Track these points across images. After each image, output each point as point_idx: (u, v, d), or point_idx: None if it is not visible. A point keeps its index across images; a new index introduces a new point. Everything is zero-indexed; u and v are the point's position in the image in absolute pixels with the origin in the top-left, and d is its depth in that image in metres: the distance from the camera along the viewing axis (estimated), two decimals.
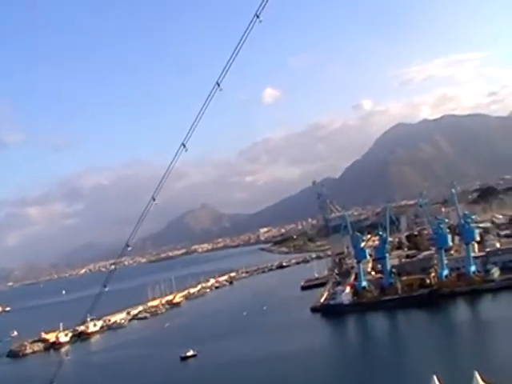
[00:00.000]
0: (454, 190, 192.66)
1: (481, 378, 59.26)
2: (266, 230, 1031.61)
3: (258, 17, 19.04)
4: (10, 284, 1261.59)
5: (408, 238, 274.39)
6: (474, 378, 59.70)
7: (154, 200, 23.38)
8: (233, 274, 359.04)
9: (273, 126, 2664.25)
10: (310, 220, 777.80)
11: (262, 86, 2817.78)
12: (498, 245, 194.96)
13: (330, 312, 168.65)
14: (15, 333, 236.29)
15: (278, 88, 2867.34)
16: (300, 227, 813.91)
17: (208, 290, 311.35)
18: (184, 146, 21.92)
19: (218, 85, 20.43)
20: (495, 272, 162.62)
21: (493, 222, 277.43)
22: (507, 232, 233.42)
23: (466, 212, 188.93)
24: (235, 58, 20.29)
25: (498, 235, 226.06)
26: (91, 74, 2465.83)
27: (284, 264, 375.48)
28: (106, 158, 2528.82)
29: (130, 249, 25.57)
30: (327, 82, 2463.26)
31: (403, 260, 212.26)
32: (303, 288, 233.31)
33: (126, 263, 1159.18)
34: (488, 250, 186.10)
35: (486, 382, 59.47)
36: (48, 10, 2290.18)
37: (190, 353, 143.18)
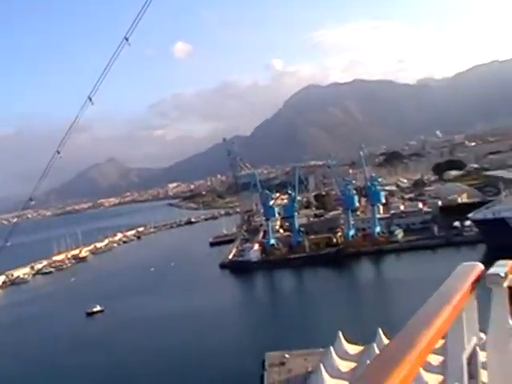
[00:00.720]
0: (361, 153, 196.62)
1: (384, 334, 61.31)
2: (174, 185, 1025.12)
3: None
4: None
5: (316, 197, 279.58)
6: (378, 334, 61.74)
7: (59, 153, 22.35)
8: (141, 229, 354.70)
9: (183, 82, 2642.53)
10: (219, 177, 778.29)
11: (173, 40, 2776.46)
12: (402, 207, 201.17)
13: (239, 268, 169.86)
14: None
15: (189, 42, 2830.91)
16: (209, 183, 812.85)
17: (115, 245, 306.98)
18: (90, 99, 21.10)
19: (127, 39, 19.65)
20: (399, 233, 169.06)
21: (397, 186, 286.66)
22: (411, 195, 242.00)
23: (373, 175, 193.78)
24: (145, 11, 19.56)
25: (403, 198, 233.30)
26: None
27: (193, 220, 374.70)
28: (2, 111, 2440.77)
29: (33, 203, 24.64)
30: (240, 40, 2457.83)
31: (311, 219, 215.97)
32: (212, 244, 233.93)
33: (30, 216, 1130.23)
34: (392, 212, 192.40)
35: (389, 338, 61.47)
36: None
37: (97, 308, 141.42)
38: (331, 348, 62.39)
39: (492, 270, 4.92)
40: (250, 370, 76.74)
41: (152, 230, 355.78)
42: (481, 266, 4.96)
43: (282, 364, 73.06)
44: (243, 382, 74.85)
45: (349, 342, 65.10)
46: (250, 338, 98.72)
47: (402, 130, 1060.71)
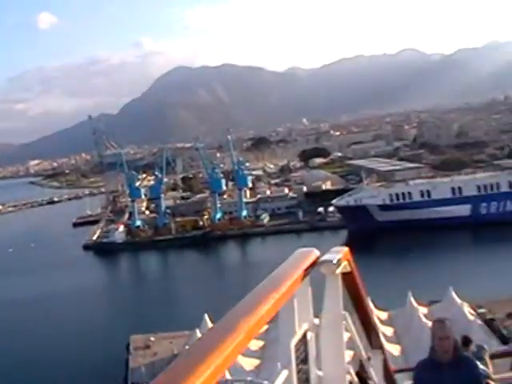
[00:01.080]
0: (229, 137, 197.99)
1: None
2: (36, 162, 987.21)
3: None
4: None
5: (183, 180, 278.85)
6: None
7: None
8: None
9: (48, 55, 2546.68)
10: (84, 155, 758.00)
11: (38, 9, 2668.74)
12: (268, 192, 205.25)
13: (103, 250, 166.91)
14: None
15: (55, 14, 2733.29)
16: (73, 162, 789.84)
17: None
18: None
19: None
20: (265, 218, 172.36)
21: (264, 171, 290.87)
22: (277, 181, 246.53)
23: (241, 159, 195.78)
24: None
25: (269, 183, 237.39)
26: None
27: (55, 199, 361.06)
28: None
29: None
30: (108, 15, 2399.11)
31: (178, 201, 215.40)
32: (75, 225, 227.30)
33: None
34: (259, 196, 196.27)
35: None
36: None
37: None
38: (197, 330, 62.47)
39: (325, 257, 5.22)
40: (115, 354, 75.40)
41: (11, 209, 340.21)
42: (316, 252, 5.28)
43: (147, 347, 72.29)
44: (108, 366, 73.61)
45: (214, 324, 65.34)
46: (114, 322, 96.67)
47: (270, 117, 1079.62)
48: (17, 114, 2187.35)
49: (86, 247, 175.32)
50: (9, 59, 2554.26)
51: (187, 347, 56.76)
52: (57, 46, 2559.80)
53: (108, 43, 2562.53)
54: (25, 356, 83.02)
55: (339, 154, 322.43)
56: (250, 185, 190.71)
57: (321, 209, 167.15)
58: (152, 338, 73.91)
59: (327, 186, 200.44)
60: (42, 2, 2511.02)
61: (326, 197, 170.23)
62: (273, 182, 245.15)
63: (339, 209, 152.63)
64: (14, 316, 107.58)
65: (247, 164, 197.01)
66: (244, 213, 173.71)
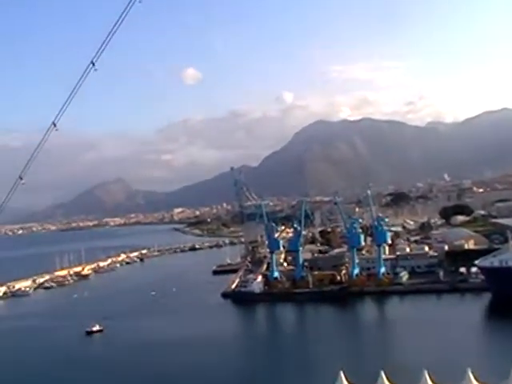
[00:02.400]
0: (369, 192, 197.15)
1: (386, 377, 61.18)
2: (180, 210, 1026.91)
3: None
4: None
5: (321, 233, 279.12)
6: (380, 377, 61.43)
7: (22, 179, 22.56)
8: (144, 252, 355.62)
9: (193, 108, 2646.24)
10: (224, 205, 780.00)
11: (184, 65, 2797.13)
12: (407, 250, 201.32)
13: (241, 299, 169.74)
14: None
15: (200, 70, 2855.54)
16: (214, 211, 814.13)
17: (118, 265, 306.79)
18: (55, 125, 21.72)
19: (93, 64, 20.40)
20: (404, 275, 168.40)
21: (404, 227, 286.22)
22: (417, 238, 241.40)
23: (380, 214, 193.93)
24: (113, 35, 20.30)
25: (408, 240, 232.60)
26: None
27: (197, 246, 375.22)
28: (15, 121, 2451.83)
29: None
30: (250, 71, 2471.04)
31: (315, 255, 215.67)
32: (215, 273, 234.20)
33: (35, 229, 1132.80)
34: (398, 253, 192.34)
35: (391, 382, 61.44)
36: None
37: (96, 328, 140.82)
38: None
39: None
40: None
41: (155, 253, 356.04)
42: None
43: None
44: None
45: (350, 382, 64.32)
46: (249, 374, 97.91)
47: (409, 172, 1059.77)
48: (163, 163, 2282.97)
49: (225, 295, 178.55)
50: (157, 112, 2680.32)
51: None
52: (201, 99, 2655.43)
53: (249, 97, 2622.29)
54: None
55: (482, 212, 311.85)
56: (389, 241, 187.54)
57: (463, 269, 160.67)
58: None
59: (470, 245, 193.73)
60: (188, 58, 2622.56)
61: (468, 257, 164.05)
62: (412, 239, 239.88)
63: (483, 270, 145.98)
64: (151, 356, 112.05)
65: (386, 220, 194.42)
66: (382, 269, 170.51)
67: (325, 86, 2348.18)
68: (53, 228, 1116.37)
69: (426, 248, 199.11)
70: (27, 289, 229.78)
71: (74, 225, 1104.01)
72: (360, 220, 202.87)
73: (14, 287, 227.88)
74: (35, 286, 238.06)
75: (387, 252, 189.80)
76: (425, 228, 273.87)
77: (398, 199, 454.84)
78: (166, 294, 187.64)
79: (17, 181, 22.26)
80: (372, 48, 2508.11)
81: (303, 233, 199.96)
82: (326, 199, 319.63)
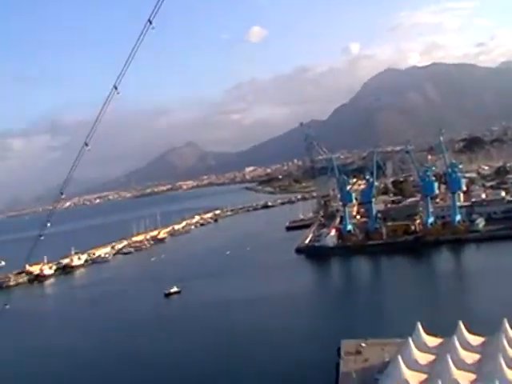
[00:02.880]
0: (441, 138, 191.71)
1: (464, 326, 59.45)
2: (251, 169, 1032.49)
3: None
4: None
5: (394, 183, 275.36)
6: (458, 327, 59.64)
7: (87, 145, 22.06)
8: (218, 212, 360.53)
9: (259, 66, 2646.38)
10: (295, 161, 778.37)
11: (249, 24, 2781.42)
12: (483, 195, 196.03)
13: (315, 254, 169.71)
14: (2, 263, 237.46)
15: (265, 27, 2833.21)
16: (285, 168, 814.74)
17: (193, 227, 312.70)
18: (116, 88, 20.94)
19: (150, 22, 19.43)
20: (480, 222, 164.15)
21: (479, 173, 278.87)
22: (492, 183, 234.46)
23: (453, 161, 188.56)
24: None
25: (484, 186, 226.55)
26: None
27: (269, 204, 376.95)
28: (88, 92, 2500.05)
29: (63, 196, 24.51)
30: (315, 24, 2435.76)
31: (388, 205, 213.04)
32: (288, 229, 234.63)
33: (111, 197, 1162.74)
34: (473, 200, 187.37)
35: (470, 332, 59.74)
36: None
37: (174, 289, 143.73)
38: (410, 339, 59.99)
39: None
40: (325, 356, 75.71)
41: (229, 213, 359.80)
42: None
43: (358, 353, 71.37)
44: (318, 368, 74.51)
45: (428, 333, 62.84)
46: (325, 324, 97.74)
47: (483, 116, 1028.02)
48: (232, 123, 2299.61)
49: (299, 250, 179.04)
50: (225, 73, 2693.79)
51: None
52: (268, 57, 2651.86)
53: (315, 51, 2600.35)
54: (235, 356, 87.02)
55: None
56: (464, 188, 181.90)
57: None
58: (363, 344, 72.84)
59: None
60: (253, 17, 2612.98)
61: None
62: (488, 184, 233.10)
63: None
64: (228, 315, 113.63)
65: (460, 166, 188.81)
66: (458, 217, 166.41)
67: (392, 33, 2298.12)
68: (128, 195, 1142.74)
69: (503, 193, 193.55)
70: (107, 255, 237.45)
71: (148, 191, 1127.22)
72: (433, 168, 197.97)
73: (94, 254, 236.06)
74: (114, 252, 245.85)
75: (462, 199, 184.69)
76: (500, 173, 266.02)
77: (472, 144, 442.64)
78: (241, 253, 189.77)
79: (82, 147, 22.08)
80: None
81: (375, 184, 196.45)
82: (397, 148, 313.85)
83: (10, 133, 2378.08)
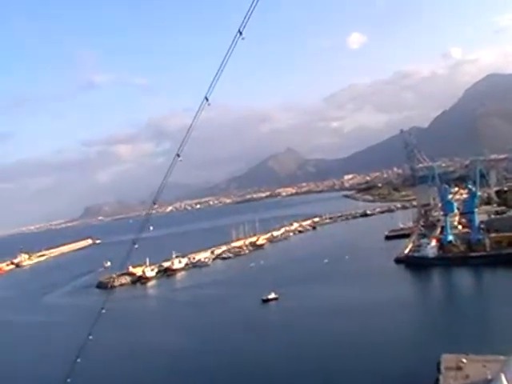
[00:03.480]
0: None
1: None
2: (350, 176, 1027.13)
3: None
4: (101, 218, 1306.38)
5: (497, 193, 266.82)
6: None
7: (179, 156, 22.97)
8: (316, 220, 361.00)
9: (358, 73, 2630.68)
10: (395, 169, 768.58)
11: (348, 31, 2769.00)
12: None
13: (415, 264, 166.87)
14: (108, 263, 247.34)
15: (364, 33, 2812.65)
16: (385, 176, 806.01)
17: (291, 234, 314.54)
18: (207, 99, 21.70)
19: (241, 33, 19.96)
20: None
21: None
22: None
23: None
24: (257, 3, 19.57)
25: None
26: None
27: (368, 212, 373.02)
28: (189, 100, 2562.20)
29: (156, 206, 25.65)
30: (415, 27, 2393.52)
31: (492, 216, 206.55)
32: (387, 238, 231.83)
33: (211, 203, 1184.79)
34: None
35: None
36: None
37: (272, 296, 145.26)
38: None
39: None
40: (424, 371, 74.60)
41: (327, 220, 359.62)
42: None
43: (459, 369, 69.25)
44: (416, 382, 73.83)
45: None
46: (425, 337, 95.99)
47: None
48: (332, 131, 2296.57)
49: (398, 260, 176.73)
50: (324, 80, 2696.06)
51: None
52: (367, 63, 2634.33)
53: (415, 57, 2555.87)
54: (332, 364, 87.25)
55: None
56: None
57: None
58: (464, 360, 70.65)
59: None
60: (351, 24, 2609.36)
61: None
62: None
63: None
64: (326, 323, 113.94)
65: None
66: None
67: (495, 37, 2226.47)
68: (228, 201, 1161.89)
69: None
70: (206, 259, 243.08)
71: (247, 197, 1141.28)
72: None
73: (194, 258, 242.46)
74: (213, 256, 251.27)
75: None
76: None
77: None
78: (339, 261, 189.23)
79: (175, 158, 23.33)
80: None
81: (478, 193, 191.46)
82: (502, 157, 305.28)
83: (117, 138, 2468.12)
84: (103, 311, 29.57)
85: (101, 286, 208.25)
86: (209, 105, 22.14)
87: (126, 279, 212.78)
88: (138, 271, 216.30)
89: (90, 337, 30.86)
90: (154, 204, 26.09)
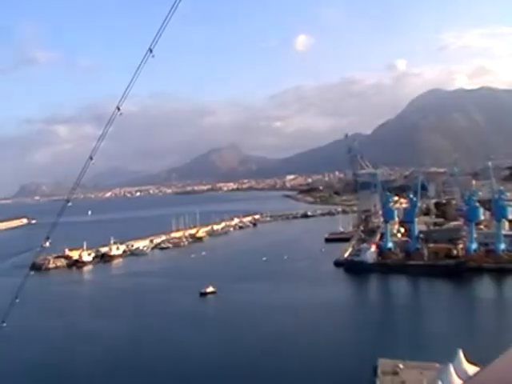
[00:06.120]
0: (489, 164, 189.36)
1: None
2: (292, 177, 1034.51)
3: None
4: (37, 198, 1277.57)
5: (436, 205, 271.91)
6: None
7: (92, 159, 21.31)
8: (257, 217, 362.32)
9: (305, 75, 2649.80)
10: (337, 173, 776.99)
11: (296, 32, 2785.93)
12: None
13: (354, 268, 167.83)
14: (47, 244, 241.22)
15: (312, 36, 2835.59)
16: (327, 179, 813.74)
17: (231, 229, 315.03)
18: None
19: (151, 51, 19.25)
20: None
21: None
22: None
23: (501, 188, 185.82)
24: (168, 23, 19.03)
25: None
26: None
27: (309, 214, 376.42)
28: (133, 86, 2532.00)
29: (69, 204, 24.32)
30: (362, 37, 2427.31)
31: (431, 227, 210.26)
32: (327, 240, 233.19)
33: (152, 192, 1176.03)
34: None
35: None
36: None
37: (210, 289, 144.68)
38: (450, 365, 59.32)
39: None
40: (360, 374, 75.30)
41: (268, 218, 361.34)
42: None
43: (395, 374, 70.26)
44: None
45: (469, 361, 61.94)
46: (361, 340, 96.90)
47: None
48: (275, 130, 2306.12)
49: (337, 263, 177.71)
50: (270, 78, 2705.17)
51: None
52: (313, 66, 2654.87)
53: (362, 64, 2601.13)
54: (266, 368, 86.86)
55: None
56: (510, 216, 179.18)
57: None
58: (401, 365, 71.67)
59: None
60: (300, 26, 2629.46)
61: None
62: None
63: None
64: (261, 322, 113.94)
65: (508, 194, 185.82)
66: (502, 246, 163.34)
67: (440, 53, 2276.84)
68: (168, 191, 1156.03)
69: None
70: (145, 248, 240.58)
71: (188, 188, 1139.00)
72: (479, 193, 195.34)
73: (132, 246, 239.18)
74: (152, 245, 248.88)
75: (507, 228, 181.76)
76: None
77: None
78: (278, 260, 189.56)
79: (87, 161, 21.49)
80: (490, 14, 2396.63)
81: (418, 204, 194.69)
82: (441, 170, 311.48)
83: (55, 119, 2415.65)
84: (17, 300, 27.77)
85: (35, 267, 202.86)
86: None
87: (62, 262, 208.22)
88: (75, 255, 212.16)
89: (4, 324, 28.92)
90: (68, 202, 24.33)
